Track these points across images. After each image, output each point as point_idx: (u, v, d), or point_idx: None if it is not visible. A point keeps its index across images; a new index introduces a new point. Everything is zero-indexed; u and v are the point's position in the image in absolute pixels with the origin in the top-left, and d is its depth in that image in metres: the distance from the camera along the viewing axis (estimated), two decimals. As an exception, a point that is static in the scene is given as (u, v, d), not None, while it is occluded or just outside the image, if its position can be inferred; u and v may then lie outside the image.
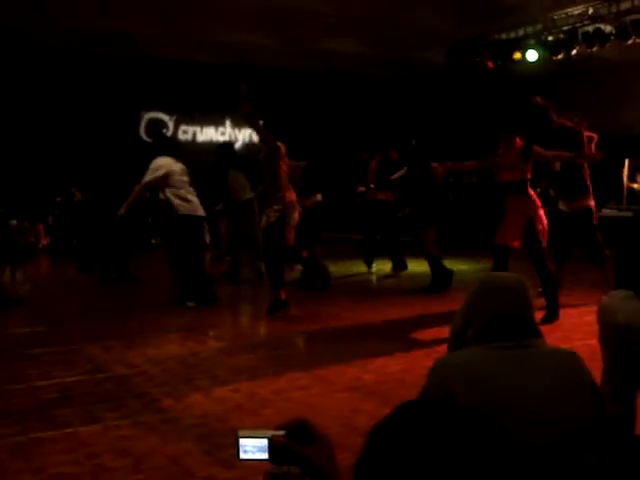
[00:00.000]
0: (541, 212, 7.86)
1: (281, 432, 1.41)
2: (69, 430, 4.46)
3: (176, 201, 8.69)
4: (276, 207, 7.97)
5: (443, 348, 5.47)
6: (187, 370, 5.91)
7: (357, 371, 5.84)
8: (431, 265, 9.95)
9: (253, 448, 1.42)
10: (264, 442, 1.41)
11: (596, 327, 2.98)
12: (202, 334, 7.49)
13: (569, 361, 2.10)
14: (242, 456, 1.44)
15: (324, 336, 7.31)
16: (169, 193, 8.72)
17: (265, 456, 1.42)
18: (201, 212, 9.06)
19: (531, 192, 7.91)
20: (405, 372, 5.74)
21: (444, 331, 7.08)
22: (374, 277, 11.45)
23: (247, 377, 5.68)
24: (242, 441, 1.43)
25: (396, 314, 8.43)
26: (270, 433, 1.42)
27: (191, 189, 8.91)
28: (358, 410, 4.79)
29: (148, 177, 8.73)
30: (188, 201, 8.77)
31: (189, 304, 8.76)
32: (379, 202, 11.17)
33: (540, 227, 7.73)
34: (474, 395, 1.87)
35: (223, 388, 5.36)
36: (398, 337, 7.13)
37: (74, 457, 4.02)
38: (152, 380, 5.62)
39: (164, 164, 8.76)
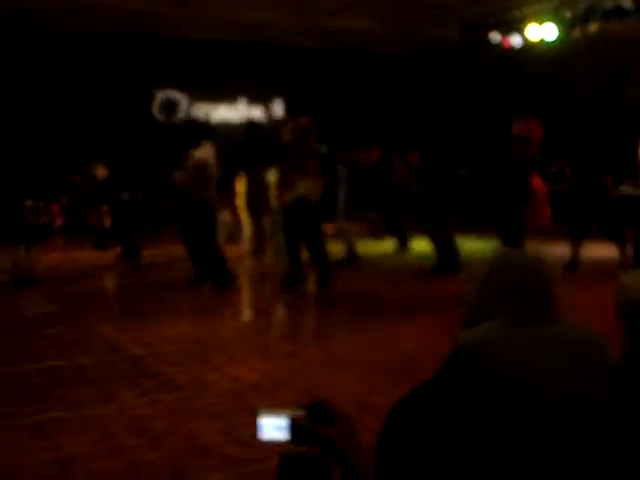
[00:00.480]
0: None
1: (302, 412, 1.39)
2: (86, 410, 4.47)
3: (204, 190, 8.75)
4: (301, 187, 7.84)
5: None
6: (203, 349, 5.91)
7: (372, 350, 5.82)
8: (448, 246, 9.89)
9: (273, 428, 1.40)
10: (284, 422, 1.39)
11: (611, 305, 2.94)
12: (218, 314, 7.50)
13: (590, 339, 2.06)
14: (262, 436, 1.41)
15: (339, 315, 7.30)
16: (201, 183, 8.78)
17: (285, 436, 1.39)
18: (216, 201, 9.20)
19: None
20: (420, 350, 5.70)
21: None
22: (392, 256, 11.44)
23: (263, 357, 5.68)
24: (262, 421, 1.41)
25: (411, 293, 8.41)
26: (291, 413, 1.39)
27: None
28: (373, 389, 4.77)
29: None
30: (213, 190, 8.87)
31: (207, 284, 8.80)
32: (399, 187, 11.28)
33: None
34: (495, 374, 1.84)
35: (239, 367, 5.35)
36: (413, 315, 7.11)
37: (91, 436, 4.02)
38: (167, 360, 5.62)
39: (204, 158, 8.81)
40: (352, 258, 10.45)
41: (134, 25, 17.20)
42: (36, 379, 5.16)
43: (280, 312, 7.91)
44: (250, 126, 11.61)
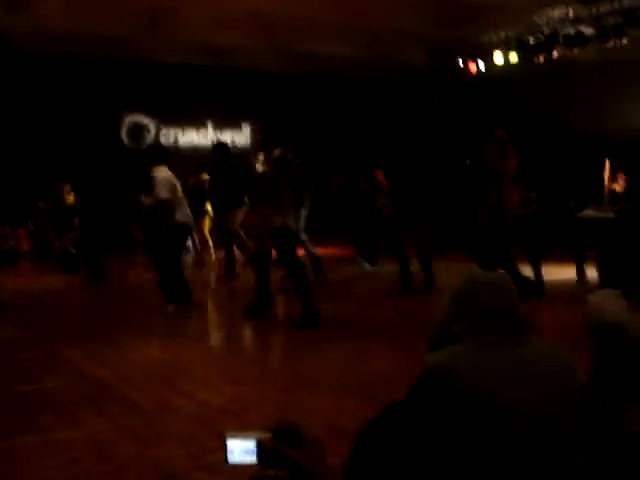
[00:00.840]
0: None
1: (268, 434, 1.39)
2: (52, 435, 4.42)
3: (175, 211, 8.72)
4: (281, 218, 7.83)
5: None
6: (170, 374, 5.87)
7: (341, 371, 5.83)
8: (421, 262, 9.95)
9: (241, 451, 1.39)
10: (252, 445, 1.38)
11: (575, 326, 2.98)
12: (184, 338, 7.46)
13: (558, 360, 2.07)
14: (230, 459, 1.40)
15: (308, 336, 7.29)
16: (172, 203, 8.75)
17: (253, 459, 1.39)
18: (191, 221, 9.25)
19: None
20: (389, 371, 5.73)
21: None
22: (361, 277, 11.48)
23: (230, 380, 5.65)
24: (230, 444, 1.40)
25: (380, 313, 8.45)
26: (258, 435, 1.39)
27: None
28: (342, 411, 4.78)
29: (163, 193, 8.66)
30: (185, 210, 8.87)
31: (169, 308, 8.73)
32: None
33: None
34: (464, 397, 1.85)
35: (206, 392, 5.33)
36: (382, 336, 7.13)
37: (57, 462, 3.98)
38: (134, 384, 5.58)
39: (169, 177, 8.77)
40: (317, 267, 10.49)
41: (103, 49, 17.16)
42: (2, 404, 5.09)
43: (248, 336, 7.89)
44: (218, 147, 11.53)
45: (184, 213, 8.87)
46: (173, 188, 8.73)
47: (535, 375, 1.97)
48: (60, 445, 4.24)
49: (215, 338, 7.88)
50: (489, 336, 2.02)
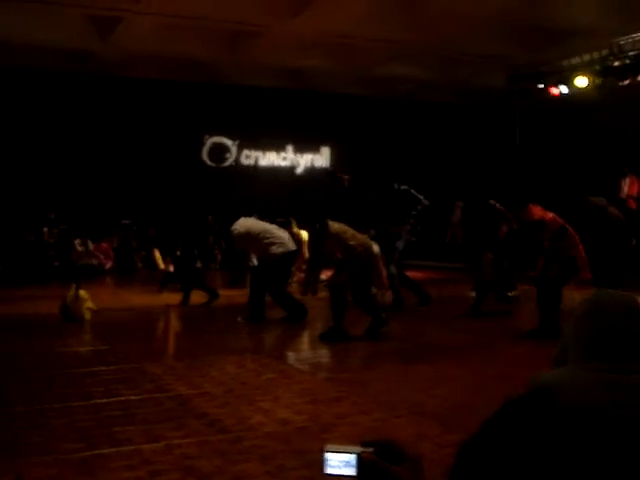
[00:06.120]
0: None
1: (370, 449, 1.37)
2: (132, 447, 4.45)
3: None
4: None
5: (511, 375, 5.32)
6: (249, 391, 5.88)
7: (421, 396, 5.74)
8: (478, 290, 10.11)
9: (339, 463, 1.38)
10: (351, 458, 1.36)
11: None
12: (264, 356, 7.49)
13: None
14: (328, 471, 1.39)
15: (389, 359, 7.25)
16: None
17: (351, 472, 1.37)
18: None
19: None
20: (470, 399, 5.62)
21: (513, 358, 6.98)
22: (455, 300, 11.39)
23: (310, 400, 5.63)
24: (328, 455, 1.39)
25: (464, 339, 8.33)
26: (358, 449, 1.37)
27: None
28: (421, 435, 4.70)
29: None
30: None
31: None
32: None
33: None
34: (566, 415, 1.79)
35: (286, 410, 5.31)
36: (465, 363, 7.01)
37: (137, 474, 4.00)
38: (214, 400, 5.60)
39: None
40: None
41: (187, 72, 17.54)
42: (84, 416, 5.17)
43: (327, 355, 7.86)
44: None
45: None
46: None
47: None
48: (141, 458, 4.26)
49: (294, 357, 7.88)
50: (601, 359, 1.91)
